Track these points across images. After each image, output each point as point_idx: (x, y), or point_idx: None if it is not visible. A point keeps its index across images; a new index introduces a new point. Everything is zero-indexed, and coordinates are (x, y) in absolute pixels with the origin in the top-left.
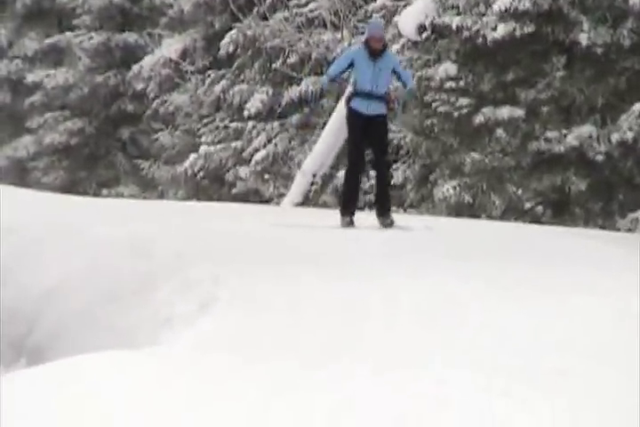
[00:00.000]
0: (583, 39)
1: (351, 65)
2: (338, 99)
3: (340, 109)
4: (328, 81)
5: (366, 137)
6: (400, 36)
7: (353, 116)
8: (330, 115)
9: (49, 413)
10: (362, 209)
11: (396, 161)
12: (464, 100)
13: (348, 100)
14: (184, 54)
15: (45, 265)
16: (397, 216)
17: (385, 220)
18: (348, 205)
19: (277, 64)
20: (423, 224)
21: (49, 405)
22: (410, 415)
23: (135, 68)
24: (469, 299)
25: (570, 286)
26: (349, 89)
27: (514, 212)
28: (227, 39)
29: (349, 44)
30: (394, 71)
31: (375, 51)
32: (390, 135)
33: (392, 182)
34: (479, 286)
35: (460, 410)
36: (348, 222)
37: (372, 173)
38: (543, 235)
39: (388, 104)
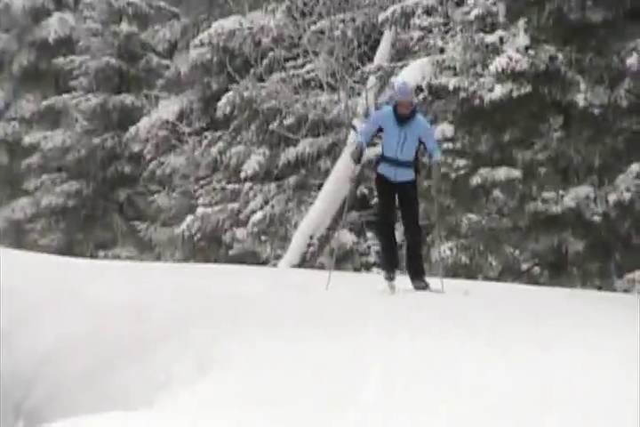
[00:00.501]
0: (580, 100)
1: (380, 129)
2: (334, 160)
3: (337, 170)
4: (356, 146)
5: (398, 203)
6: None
7: (381, 181)
8: (326, 176)
9: None
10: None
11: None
12: (461, 162)
13: (376, 165)
14: (181, 116)
15: (43, 329)
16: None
17: (419, 283)
18: (388, 263)
19: (274, 125)
20: (460, 289)
21: None
22: None
23: (132, 129)
24: (466, 358)
25: (570, 343)
26: (376, 153)
27: (511, 273)
28: (223, 100)
29: (345, 106)
30: (420, 138)
31: (403, 116)
32: None
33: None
34: (477, 345)
35: None
36: (391, 278)
37: (404, 238)
38: (540, 296)
39: (416, 170)
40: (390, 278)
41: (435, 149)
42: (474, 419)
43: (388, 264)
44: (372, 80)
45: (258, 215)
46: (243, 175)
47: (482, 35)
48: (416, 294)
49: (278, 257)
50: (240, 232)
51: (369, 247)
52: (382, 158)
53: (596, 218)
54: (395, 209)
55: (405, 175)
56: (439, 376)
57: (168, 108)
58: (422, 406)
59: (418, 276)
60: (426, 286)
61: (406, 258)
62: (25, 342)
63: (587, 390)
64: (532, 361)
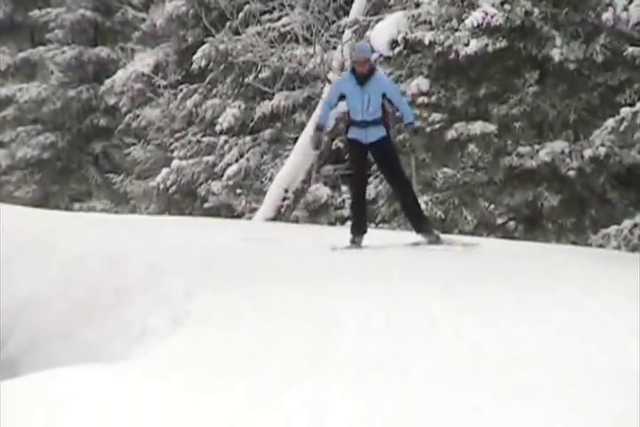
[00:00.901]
0: (555, 54)
1: (342, 97)
2: (310, 113)
3: (312, 128)
4: (315, 130)
5: (376, 162)
6: (372, 51)
7: (353, 147)
8: (302, 129)
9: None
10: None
11: (369, 175)
12: (436, 116)
13: (346, 131)
14: (156, 69)
15: (18, 280)
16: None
17: (429, 235)
18: (355, 224)
19: (249, 79)
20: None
21: (20, 418)
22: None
23: (107, 82)
24: (443, 316)
25: (550, 303)
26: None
27: (486, 227)
28: (199, 54)
29: (321, 59)
30: (384, 95)
31: (362, 75)
32: None
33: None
34: (453, 303)
35: (430, 425)
36: (355, 242)
37: (396, 195)
38: (512, 249)
39: (386, 125)
40: (354, 243)
41: (408, 113)
42: (447, 375)
43: (355, 229)
44: (347, 34)
45: (233, 168)
46: (218, 128)
47: None
48: (385, 249)
49: (253, 210)
50: (215, 185)
51: (343, 201)
52: (350, 123)
53: (572, 173)
54: (367, 172)
55: (376, 134)
56: (413, 333)
57: (144, 60)
58: (396, 362)
59: (425, 228)
60: (437, 239)
61: (405, 213)
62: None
63: (565, 350)
64: (509, 319)
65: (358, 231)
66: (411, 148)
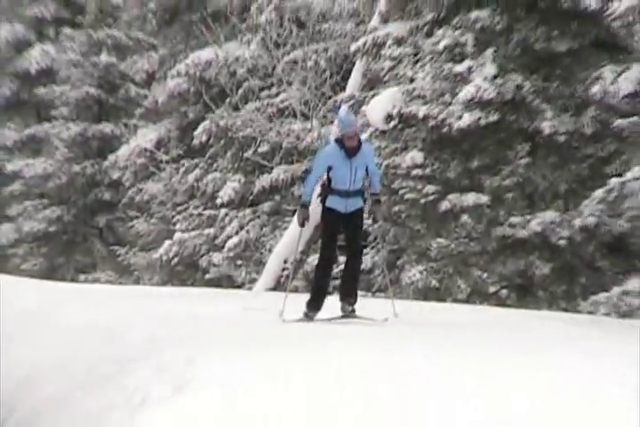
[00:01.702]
0: (546, 127)
1: (329, 169)
2: None
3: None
4: (300, 208)
5: (343, 229)
6: (368, 125)
7: (328, 216)
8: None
9: None
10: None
11: (365, 246)
12: (430, 188)
13: (324, 199)
14: (159, 144)
15: (22, 352)
16: (371, 300)
17: (346, 306)
18: (313, 301)
19: (249, 153)
20: (390, 313)
21: None
22: None
23: (111, 157)
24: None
25: (537, 363)
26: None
27: (479, 295)
28: (200, 129)
29: (318, 134)
30: (366, 168)
31: (351, 148)
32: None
33: (362, 268)
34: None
35: None
36: (308, 317)
37: (343, 258)
38: (507, 317)
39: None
40: (308, 317)
41: (377, 185)
42: None
43: (313, 303)
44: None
45: (233, 240)
46: (219, 201)
47: (450, 64)
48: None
49: (253, 281)
50: (216, 257)
51: (340, 271)
52: (330, 191)
53: (562, 242)
54: (336, 249)
55: (356, 204)
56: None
57: (146, 136)
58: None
59: (348, 299)
60: (353, 311)
61: (342, 279)
62: (1, 367)
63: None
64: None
65: (315, 308)
66: (374, 216)
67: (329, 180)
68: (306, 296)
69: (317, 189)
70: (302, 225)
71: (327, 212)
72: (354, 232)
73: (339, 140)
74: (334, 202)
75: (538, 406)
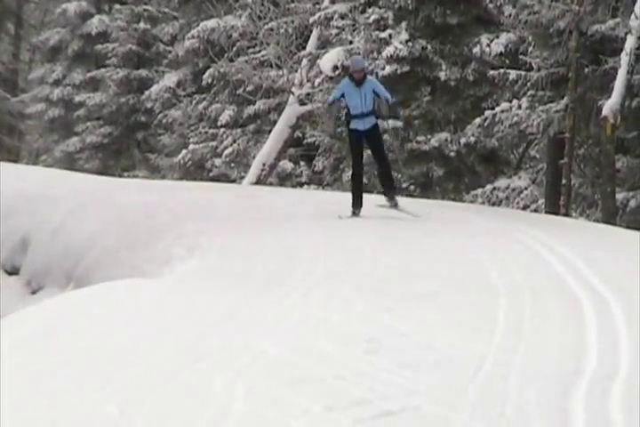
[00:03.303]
0: (442, 76)
1: (342, 95)
2: (279, 114)
3: (281, 120)
4: (328, 105)
5: (367, 144)
6: (321, 72)
7: (353, 135)
8: (274, 124)
9: (90, 318)
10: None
11: (317, 155)
12: None
13: (348, 123)
14: (179, 84)
15: (87, 220)
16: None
17: (391, 201)
18: (355, 201)
19: (240, 91)
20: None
21: (90, 313)
22: (329, 320)
23: (146, 93)
24: (366, 246)
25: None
26: (343, 115)
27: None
28: (207, 74)
29: (287, 78)
30: (374, 91)
31: (359, 79)
32: (314, 138)
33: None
34: (374, 239)
35: (356, 320)
36: (355, 214)
37: (377, 167)
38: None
39: (377, 116)
40: (355, 214)
41: (385, 93)
42: (372, 285)
43: (354, 205)
44: (304, 61)
45: (229, 150)
46: (219, 123)
47: (377, 32)
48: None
49: (242, 178)
50: (217, 161)
51: (301, 172)
52: (351, 117)
53: (452, 153)
54: (363, 160)
55: (371, 122)
56: (348, 261)
57: (170, 78)
58: (335, 277)
59: (391, 195)
60: (396, 204)
61: (380, 181)
62: (74, 228)
63: (446, 269)
64: (414, 249)
65: (357, 206)
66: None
67: (348, 110)
68: (278, 189)
69: (336, 108)
70: (334, 115)
71: (351, 133)
72: (376, 144)
73: (350, 75)
74: (355, 123)
75: (427, 258)
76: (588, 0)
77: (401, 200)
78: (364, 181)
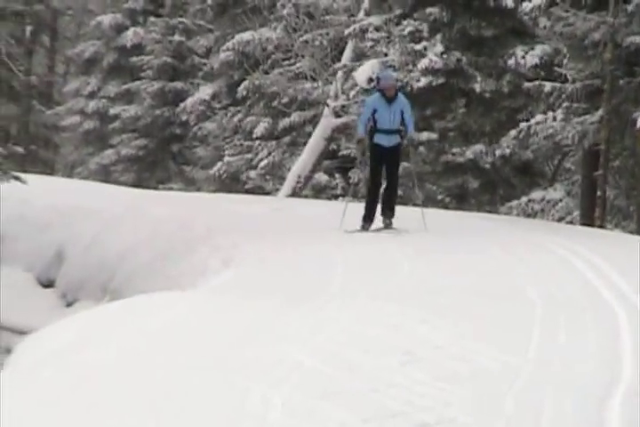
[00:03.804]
0: (477, 87)
1: (374, 111)
2: (315, 126)
3: (316, 133)
4: (361, 136)
5: (385, 161)
6: (356, 85)
7: (375, 149)
8: (309, 136)
9: (124, 330)
10: None
11: (352, 167)
12: None
13: (371, 137)
14: (214, 96)
15: (122, 233)
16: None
17: (386, 220)
18: (367, 217)
19: (275, 103)
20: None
21: (122, 325)
22: (364, 333)
23: (182, 105)
24: (401, 259)
25: (465, 249)
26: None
27: (430, 201)
28: (242, 86)
29: (322, 91)
30: (401, 111)
31: (390, 96)
32: (350, 151)
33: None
34: (408, 251)
35: (391, 332)
36: (364, 228)
37: (386, 186)
38: (451, 217)
39: (402, 136)
40: (364, 228)
41: (410, 124)
42: (405, 297)
43: (366, 219)
44: (339, 74)
45: (264, 162)
46: (254, 136)
47: (412, 44)
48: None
49: (277, 190)
50: (252, 173)
51: (337, 184)
52: (377, 131)
53: (487, 165)
54: (382, 174)
55: (395, 140)
56: (384, 271)
57: (205, 91)
58: (368, 290)
59: (388, 214)
60: (390, 224)
61: (382, 200)
62: (109, 241)
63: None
64: (440, 261)
65: (368, 221)
66: (411, 156)
67: (374, 122)
68: (313, 201)
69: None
70: (363, 154)
71: (374, 146)
72: (393, 165)
73: (381, 91)
74: (380, 138)
75: (460, 270)
76: (623, 12)
77: (437, 212)
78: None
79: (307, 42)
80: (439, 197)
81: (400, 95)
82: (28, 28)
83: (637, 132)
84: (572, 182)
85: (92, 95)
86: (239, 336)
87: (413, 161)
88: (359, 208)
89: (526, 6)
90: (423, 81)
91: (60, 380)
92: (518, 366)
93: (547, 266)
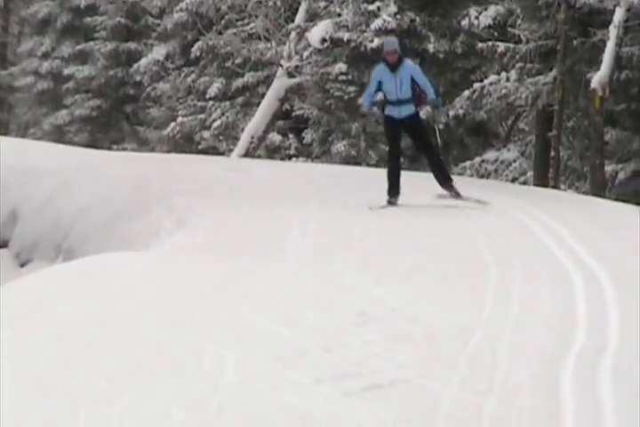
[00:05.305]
0: (430, 48)
1: (380, 83)
2: (268, 86)
3: (269, 93)
4: (367, 110)
5: (407, 134)
6: (309, 45)
7: (388, 121)
8: (263, 97)
9: (78, 292)
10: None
11: (306, 128)
12: (351, 88)
13: (383, 109)
14: (167, 57)
15: (76, 193)
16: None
17: (450, 191)
18: (391, 189)
19: (228, 63)
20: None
21: (78, 285)
22: (319, 293)
23: (135, 65)
24: (352, 218)
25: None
26: (380, 97)
27: (382, 161)
28: (195, 47)
29: (275, 51)
30: (412, 79)
31: (393, 64)
32: (303, 111)
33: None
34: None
35: (346, 292)
36: (391, 203)
37: (426, 158)
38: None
39: (418, 103)
40: (390, 203)
41: (428, 88)
42: (358, 258)
43: (391, 192)
44: (292, 34)
45: (217, 122)
46: (208, 96)
47: (365, 4)
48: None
49: (231, 150)
50: (205, 134)
51: (290, 144)
52: (386, 102)
53: (441, 126)
54: (400, 144)
55: (408, 110)
56: (337, 234)
57: (159, 51)
58: (326, 250)
59: (447, 184)
60: (457, 194)
61: (433, 173)
62: (64, 201)
63: (434, 242)
64: (396, 223)
65: (394, 194)
66: (433, 119)
67: (384, 94)
68: (266, 161)
69: (373, 99)
70: (377, 120)
71: (386, 119)
72: (415, 132)
73: (384, 59)
74: (390, 110)
75: (416, 231)
76: None
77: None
78: (401, 165)
79: (260, 2)
80: None
81: (406, 61)
82: None
83: (591, 92)
84: (525, 143)
85: (45, 56)
86: (192, 297)
87: (437, 125)
88: (314, 167)
89: None
90: (376, 41)
91: (17, 340)
92: (472, 328)
93: (500, 226)
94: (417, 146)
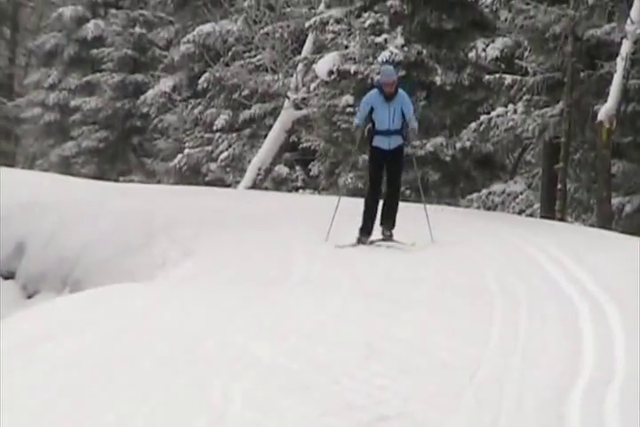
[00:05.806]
0: (437, 80)
1: (371, 109)
2: (275, 118)
3: (276, 125)
4: (356, 126)
5: (386, 165)
6: (317, 77)
7: (375, 153)
8: (270, 129)
9: (85, 323)
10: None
11: (313, 160)
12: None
13: (370, 140)
14: (174, 88)
15: (81, 227)
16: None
17: (385, 231)
18: (364, 227)
19: (235, 95)
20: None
21: (84, 316)
22: (325, 325)
23: (142, 97)
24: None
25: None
26: (369, 127)
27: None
28: (202, 79)
29: (282, 83)
30: (402, 110)
31: (389, 94)
32: (310, 143)
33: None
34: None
35: (354, 324)
36: (361, 241)
37: (386, 194)
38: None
39: (405, 137)
40: (361, 242)
41: (411, 119)
42: (367, 289)
43: (362, 230)
44: (300, 66)
45: (224, 154)
46: (215, 128)
47: (373, 37)
48: None
49: (237, 182)
50: (212, 165)
51: (297, 177)
52: (375, 132)
53: (447, 158)
54: (383, 178)
55: (397, 142)
56: (341, 261)
57: (166, 83)
58: (330, 282)
59: (388, 224)
60: (391, 235)
61: (383, 210)
62: (69, 236)
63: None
64: (410, 255)
65: (365, 233)
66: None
67: (373, 124)
68: (274, 193)
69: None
70: (362, 138)
71: (373, 150)
72: (395, 171)
73: (379, 87)
74: (379, 141)
75: (423, 263)
76: (583, 5)
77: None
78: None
79: (267, 34)
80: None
81: (400, 92)
82: None
83: (598, 125)
84: (532, 175)
85: (52, 87)
86: (199, 330)
87: (415, 164)
88: (320, 199)
89: None
90: None
91: (24, 373)
92: (479, 360)
93: (508, 258)
94: (388, 177)
